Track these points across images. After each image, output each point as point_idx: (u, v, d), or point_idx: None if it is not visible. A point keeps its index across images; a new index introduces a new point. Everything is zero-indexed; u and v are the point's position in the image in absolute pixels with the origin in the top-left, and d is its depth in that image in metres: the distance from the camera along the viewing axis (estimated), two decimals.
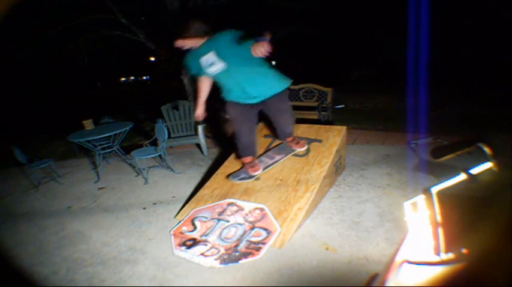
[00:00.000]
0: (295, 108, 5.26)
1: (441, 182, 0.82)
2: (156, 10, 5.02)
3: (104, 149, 3.87)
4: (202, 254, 2.15)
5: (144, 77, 27.08)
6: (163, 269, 2.07)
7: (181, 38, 2.30)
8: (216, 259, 2.08)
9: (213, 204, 2.64)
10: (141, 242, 2.39)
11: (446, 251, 0.73)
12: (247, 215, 2.44)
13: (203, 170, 3.71)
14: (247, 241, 2.21)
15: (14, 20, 3.89)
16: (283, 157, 2.82)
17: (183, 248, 2.24)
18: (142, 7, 5.09)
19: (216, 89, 2.65)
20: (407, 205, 0.93)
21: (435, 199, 0.79)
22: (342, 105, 6.03)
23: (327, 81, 5.85)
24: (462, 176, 0.85)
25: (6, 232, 2.78)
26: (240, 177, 2.71)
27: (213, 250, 2.17)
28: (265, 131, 3.35)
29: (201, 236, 2.34)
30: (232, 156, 3.14)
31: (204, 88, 2.64)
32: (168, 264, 2.11)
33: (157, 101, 4.85)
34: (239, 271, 1.97)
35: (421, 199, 0.87)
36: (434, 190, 0.80)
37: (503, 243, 0.66)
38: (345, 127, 3.11)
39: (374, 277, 1.09)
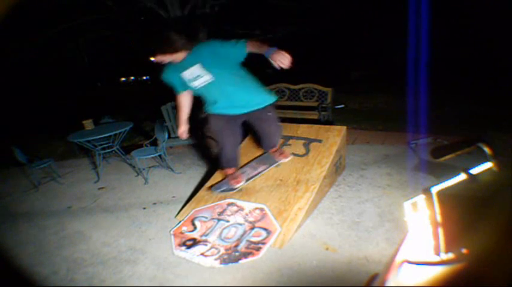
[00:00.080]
0: (295, 108, 5.28)
1: (441, 182, 0.82)
2: (156, 10, 5.01)
3: (104, 149, 3.87)
4: (202, 254, 2.15)
5: (144, 77, 27.09)
6: (163, 269, 2.07)
7: (161, 52, 2.16)
8: (216, 259, 2.08)
9: (213, 204, 2.64)
10: (141, 242, 2.39)
11: (446, 251, 0.73)
12: (247, 215, 2.44)
13: (203, 170, 3.71)
14: (247, 241, 2.21)
15: (14, 20, 3.88)
16: (267, 168, 2.76)
17: (183, 248, 2.24)
18: (142, 7, 5.08)
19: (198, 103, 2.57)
20: (407, 205, 0.93)
21: (435, 199, 0.79)
22: (342, 105, 6.03)
23: (327, 81, 5.85)
24: (462, 176, 0.85)
25: (6, 232, 2.78)
26: (222, 189, 2.66)
27: (213, 250, 2.17)
28: None
29: (201, 236, 2.34)
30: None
31: (186, 104, 2.53)
32: (168, 264, 2.11)
33: (157, 101, 4.86)
34: (239, 271, 1.97)
35: (421, 199, 0.87)
36: (434, 190, 0.80)
37: (503, 243, 0.66)
38: (344, 127, 3.11)
39: (374, 277, 1.09)
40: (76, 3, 4.64)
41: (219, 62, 2.19)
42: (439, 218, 0.77)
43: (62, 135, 4.44)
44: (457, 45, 9.41)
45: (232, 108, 2.40)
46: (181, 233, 2.42)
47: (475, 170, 0.87)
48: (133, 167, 3.91)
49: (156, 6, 4.98)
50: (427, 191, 0.80)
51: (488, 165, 0.90)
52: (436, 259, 0.74)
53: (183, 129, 2.58)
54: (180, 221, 2.57)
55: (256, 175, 2.72)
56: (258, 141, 2.92)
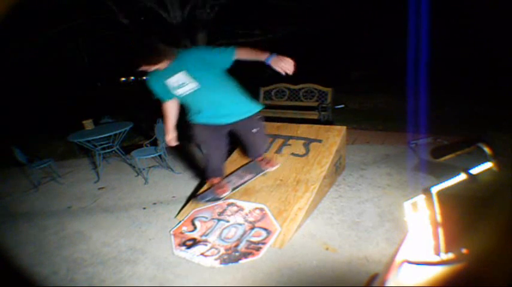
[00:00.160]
0: (295, 108, 5.27)
1: (441, 182, 0.82)
2: (156, 10, 5.02)
3: (104, 149, 3.87)
4: (202, 254, 2.15)
5: (144, 77, 27.08)
6: (163, 269, 2.07)
7: (146, 63, 2.07)
8: (216, 259, 2.08)
9: (213, 204, 2.64)
10: (141, 242, 2.39)
11: (446, 251, 0.73)
12: (247, 215, 2.44)
13: (203, 170, 3.71)
14: (247, 241, 2.21)
15: (14, 20, 3.88)
16: (253, 177, 2.71)
17: (183, 248, 2.24)
18: (142, 7, 5.09)
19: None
20: (407, 205, 0.93)
21: (435, 199, 0.79)
22: (342, 105, 6.02)
23: (327, 81, 5.84)
24: (462, 176, 0.85)
25: (6, 232, 2.78)
26: (207, 199, 2.61)
27: (213, 250, 2.17)
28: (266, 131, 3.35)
29: (201, 236, 2.34)
30: (232, 156, 3.14)
31: (172, 111, 2.45)
32: (168, 264, 2.11)
33: (157, 101, 4.84)
34: (239, 271, 1.97)
35: (421, 199, 0.87)
36: (434, 190, 0.80)
37: (503, 243, 0.66)
38: (344, 127, 3.10)
39: (374, 277, 1.09)
40: (76, 3, 4.64)
41: (204, 69, 2.12)
42: (439, 218, 0.77)
43: (62, 135, 4.43)
44: (457, 45, 9.41)
45: (218, 117, 2.32)
46: (182, 233, 2.42)
47: (475, 170, 0.87)
48: (133, 167, 3.91)
49: (156, 6, 4.98)
50: (427, 191, 0.80)
51: (488, 165, 0.90)
52: (436, 259, 0.74)
53: (171, 137, 2.52)
54: (180, 221, 2.57)
55: (242, 184, 2.67)
56: (245, 150, 2.85)
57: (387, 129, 4.77)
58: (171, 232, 2.45)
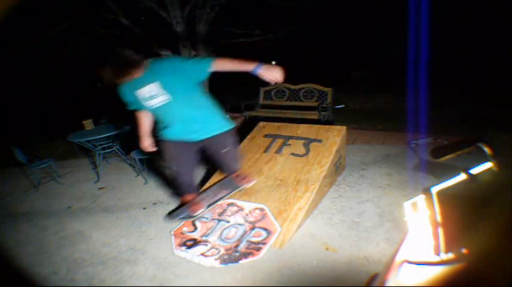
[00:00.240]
0: (295, 108, 5.28)
1: (441, 182, 0.82)
2: (156, 10, 5.02)
3: (104, 149, 3.87)
4: (202, 254, 2.15)
5: None
6: (164, 269, 2.07)
7: (117, 72, 1.95)
8: (216, 259, 2.08)
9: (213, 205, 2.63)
10: (141, 242, 2.39)
11: (446, 251, 0.73)
12: (247, 215, 2.44)
13: (203, 170, 3.71)
14: (248, 241, 2.21)
15: (14, 20, 3.88)
16: (229, 193, 2.63)
17: (183, 248, 2.24)
18: (142, 7, 5.08)
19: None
20: (407, 205, 0.93)
21: (435, 199, 0.79)
22: (342, 105, 6.03)
23: (327, 81, 5.85)
24: (462, 176, 0.85)
25: (6, 232, 2.78)
26: (181, 216, 2.50)
27: (213, 250, 2.17)
28: (266, 131, 3.36)
29: (202, 236, 2.34)
30: None
31: (146, 119, 2.34)
32: (168, 264, 2.11)
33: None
34: (239, 271, 1.97)
35: (421, 199, 0.87)
36: (434, 190, 0.80)
37: (503, 243, 0.66)
38: (344, 127, 3.11)
39: (374, 277, 1.09)
40: (76, 3, 4.64)
41: (177, 82, 2.02)
42: (439, 218, 0.77)
43: (62, 135, 4.44)
44: (457, 45, 9.41)
45: (188, 133, 2.22)
46: (182, 233, 2.42)
47: (475, 170, 0.87)
48: (134, 167, 3.91)
49: (156, 6, 4.98)
50: (427, 191, 0.80)
51: (488, 165, 0.90)
52: (436, 259, 0.74)
53: (147, 144, 2.42)
54: (180, 222, 2.56)
55: (217, 200, 2.58)
56: (218, 167, 2.74)
57: (387, 129, 4.77)
58: (172, 232, 2.45)
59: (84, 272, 2.13)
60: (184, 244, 2.28)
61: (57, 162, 4.19)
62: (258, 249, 2.12)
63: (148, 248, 2.31)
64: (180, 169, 2.42)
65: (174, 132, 2.23)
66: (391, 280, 0.87)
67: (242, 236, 2.27)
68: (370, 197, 2.72)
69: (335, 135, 3.00)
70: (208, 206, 2.55)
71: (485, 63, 8.59)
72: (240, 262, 2.04)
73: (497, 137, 3.35)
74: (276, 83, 1.91)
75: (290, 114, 5.05)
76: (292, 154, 2.94)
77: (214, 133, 2.27)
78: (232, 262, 2.04)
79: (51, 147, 5.54)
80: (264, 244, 2.16)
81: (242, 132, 3.78)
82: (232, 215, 2.48)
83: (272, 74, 1.90)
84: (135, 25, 5.00)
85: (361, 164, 3.44)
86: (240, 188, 2.63)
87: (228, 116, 2.45)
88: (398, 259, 0.90)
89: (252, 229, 2.31)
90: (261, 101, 5.59)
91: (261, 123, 3.52)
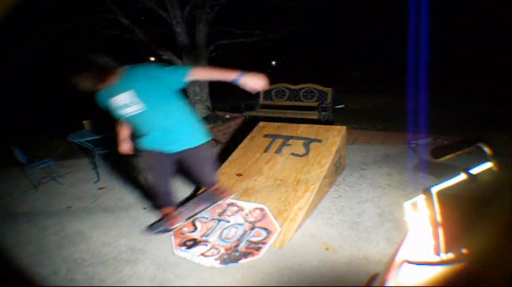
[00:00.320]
0: (295, 108, 5.28)
1: (441, 182, 0.82)
2: (156, 10, 5.02)
3: (104, 149, 3.87)
4: (202, 254, 2.15)
5: None
6: (164, 269, 2.07)
7: (88, 80, 1.88)
8: (216, 259, 2.08)
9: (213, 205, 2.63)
10: (141, 242, 2.39)
11: (446, 251, 0.73)
12: (247, 215, 2.44)
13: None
14: (247, 241, 2.21)
15: (15, 20, 3.88)
16: (207, 207, 2.59)
17: (183, 248, 2.24)
18: (142, 7, 5.09)
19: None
20: (407, 205, 0.93)
21: (435, 199, 0.79)
22: (342, 105, 6.03)
23: (327, 81, 5.85)
24: (462, 176, 0.85)
25: (6, 232, 2.78)
26: (159, 229, 2.43)
27: (213, 250, 2.17)
28: (266, 131, 3.36)
29: (202, 236, 2.34)
30: (233, 156, 3.14)
31: (125, 124, 2.28)
32: (168, 264, 2.11)
33: None
34: (239, 271, 1.97)
35: (421, 199, 0.87)
36: (434, 190, 0.80)
37: (503, 243, 0.66)
38: (344, 127, 3.11)
39: (374, 277, 1.09)
40: (76, 2, 4.64)
41: (153, 91, 1.94)
42: (439, 218, 0.77)
43: (62, 135, 4.43)
44: (457, 45, 9.41)
45: (163, 144, 2.16)
46: (182, 233, 2.42)
47: (475, 170, 0.87)
48: (134, 167, 3.91)
49: (156, 6, 4.98)
50: (427, 191, 0.80)
51: (488, 165, 0.90)
52: (436, 259, 0.74)
53: (125, 148, 2.38)
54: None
55: (195, 214, 2.55)
56: (195, 179, 2.69)
57: (387, 129, 4.77)
58: (172, 232, 2.45)
59: (84, 272, 2.13)
60: (184, 244, 2.28)
61: (57, 162, 4.19)
62: (258, 249, 2.12)
63: (148, 248, 2.31)
64: (156, 179, 2.35)
65: (150, 142, 2.16)
66: (391, 280, 0.87)
67: (242, 236, 2.27)
68: (370, 197, 2.72)
69: (335, 135, 3.00)
70: (187, 219, 2.49)
71: (485, 63, 8.60)
72: (240, 261, 2.04)
73: (497, 137, 3.35)
74: (256, 92, 1.88)
75: (290, 114, 5.05)
76: (292, 153, 2.94)
77: (191, 146, 2.19)
78: (232, 262, 2.04)
79: (51, 147, 5.54)
80: (264, 243, 2.16)
81: (242, 132, 3.79)
82: (232, 215, 2.48)
83: (254, 83, 1.86)
84: (135, 25, 5.00)
85: (361, 164, 3.43)
86: (218, 202, 2.58)
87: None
88: (398, 259, 0.90)
89: (252, 228, 2.31)
90: (261, 101, 5.60)
91: (261, 123, 3.52)
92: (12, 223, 2.92)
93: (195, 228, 2.44)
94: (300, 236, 2.25)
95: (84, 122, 4.22)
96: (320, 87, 5.22)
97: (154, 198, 2.53)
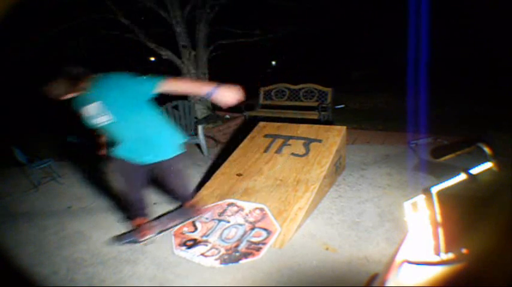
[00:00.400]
0: (295, 108, 5.28)
1: (441, 182, 0.82)
2: (156, 10, 5.02)
3: None
4: (202, 254, 2.15)
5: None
6: (164, 269, 2.07)
7: (62, 87, 1.88)
8: (216, 259, 2.08)
9: (213, 205, 2.64)
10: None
11: (446, 251, 0.73)
12: (247, 215, 2.44)
13: (203, 170, 3.71)
14: (248, 241, 2.21)
15: (15, 19, 3.88)
16: (180, 223, 2.53)
17: (184, 248, 2.24)
18: (142, 7, 5.09)
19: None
20: (407, 205, 0.93)
21: (435, 199, 0.79)
22: (342, 105, 6.03)
23: (327, 81, 5.85)
24: (462, 176, 0.85)
25: (6, 232, 2.77)
26: (126, 241, 2.37)
27: (213, 250, 2.17)
28: (266, 131, 3.36)
29: (202, 236, 2.34)
30: (233, 156, 3.14)
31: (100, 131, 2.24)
32: (168, 264, 2.11)
33: (157, 101, 4.85)
34: (239, 271, 1.97)
35: (421, 199, 0.87)
36: (434, 190, 0.80)
37: (503, 243, 0.66)
38: (344, 127, 3.11)
39: (374, 277, 1.09)
40: (76, 2, 4.64)
41: (122, 101, 1.91)
42: (439, 218, 0.77)
43: (62, 135, 4.43)
44: (457, 45, 9.42)
45: (136, 155, 2.11)
46: (182, 233, 2.42)
47: (475, 170, 0.87)
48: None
49: (156, 6, 4.98)
50: (427, 191, 0.80)
51: (488, 165, 0.90)
52: (436, 259, 0.74)
53: (103, 153, 2.37)
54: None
55: (168, 228, 2.49)
56: (170, 194, 2.64)
57: (387, 129, 4.77)
58: (172, 233, 2.45)
59: (84, 272, 2.13)
60: (184, 244, 2.28)
61: (57, 162, 4.18)
62: (258, 249, 2.12)
63: (148, 248, 2.31)
64: (129, 189, 2.30)
65: (122, 152, 2.13)
66: (391, 280, 0.87)
67: (242, 236, 2.27)
68: (370, 197, 2.72)
69: (335, 135, 3.00)
70: (159, 232, 2.43)
71: (485, 63, 8.60)
72: (240, 262, 2.04)
73: (497, 137, 3.35)
74: (228, 106, 1.85)
75: (290, 114, 5.05)
76: (292, 153, 2.94)
77: (163, 158, 2.16)
78: (232, 262, 2.04)
79: (51, 147, 5.54)
80: (264, 244, 2.16)
81: (242, 132, 3.79)
82: (232, 215, 2.48)
83: (227, 98, 1.83)
84: (135, 25, 5.00)
85: (361, 164, 3.43)
86: (191, 219, 2.53)
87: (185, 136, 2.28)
88: (398, 259, 0.90)
89: (252, 229, 2.31)
90: (261, 101, 5.60)
91: (261, 123, 3.52)
92: (12, 223, 2.91)
93: (195, 228, 2.44)
94: (300, 236, 2.25)
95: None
96: (320, 87, 5.22)
97: (127, 207, 2.44)
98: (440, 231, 0.75)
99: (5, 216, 3.09)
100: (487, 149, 0.92)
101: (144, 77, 1.94)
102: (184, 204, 2.57)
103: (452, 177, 0.84)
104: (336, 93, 5.25)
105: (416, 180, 2.94)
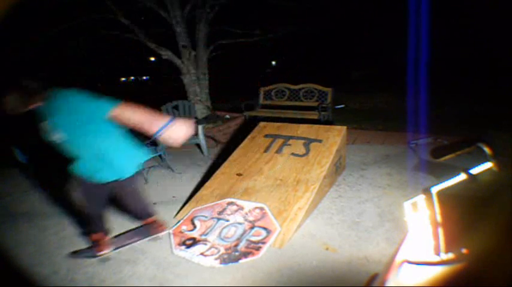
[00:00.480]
0: (295, 108, 5.28)
1: (441, 182, 0.82)
2: (156, 10, 5.02)
3: None
4: (202, 253, 2.15)
5: (144, 78, 27.04)
6: (163, 269, 2.07)
7: (16, 101, 1.84)
8: (215, 259, 2.08)
9: (212, 203, 2.64)
10: (141, 242, 2.39)
11: (446, 251, 0.73)
12: (247, 214, 2.44)
13: (203, 170, 3.71)
14: (247, 240, 2.21)
15: (15, 19, 3.88)
16: (139, 240, 2.47)
17: (183, 247, 2.24)
18: (142, 7, 5.09)
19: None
20: (407, 205, 0.93)
21: (435, 199, 0.79)
22: (342, 105, 6.03)
23: (327, 81, 5.86)
24: (462, 176, 0.85)
25: (6, 232, 2.77)
26: (83, 255, 2.33)
27: (212, 249, 2.17)
28: (266, 131, 3.36)
29: (201, 235, 2.34)
30: (233, 156, 3.14)
31: None
32: (168, 264, 2.11)
33: (157, 101, 4.86)
34: (239, 271, 1.97)
35: (421, 199, 0.87)
36: (434, 190, 0.80)
37: (503, 243, 0.66)
38: (344, 127, 3.11)
39: (374, 277, 1.09)
40: (76, 2, 4.64)
41: (74, 122, 1.87)
42: (439, 218, 0.77)
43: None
44: (457, 45, 9.42)
45: (91, 173, 2.08)
46: (181, 232, 2.42)
47: (475, 170, 0.87)
48: None
49: (156, 6, 4.98)
50: (427, 191, 0.80)
51: (488, 165, 0.90)
52: (436, 259, 0.74)
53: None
54: (179, 221, 2.56)
55: (126, 245, 2.44)
56: (129, 213, 2.60)
57: (387, 129, 4.77)
58: (171, 231, 2.45)
59: (84, 272, 2.13)
60: (183, 243, 2.28)
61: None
62: (258, 248, 2.12)
63: (148, 248, 2.31)
64: (88, 204, 2.24)
65: (78, 169, 2.09)
66: (391, 280, 0.87)
67: (242, 235, 2.27)
68: (370, 197, 2.72)
69: (335, 135, 3.00)
70: (116, 248, 2.39)
71: (485, 63, 8.60)
72: (240, 261, 2.04)
73: (497, 136, 3.35)
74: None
75: (290, 114, 5.05)
76: (293, 153, 2.94)
77: (119, 177, 2.11)
78: (232, 262, 2.04)
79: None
80: (264, 243, 2.16)
81: (242, 132, 3.79)
82: (231, 214, 2.48)
83: (177, 136, 1.78)
84: (135, 25, 5.00)
85: (361, 164, 3.43)
86: (152, 237, 2.47)
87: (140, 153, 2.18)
88: (398, 259, 0.90)
89: (252, 228, 2.31)
90: (261, 101, 5.60)
91: (262, 124, 3.52)
92: (12, 223, 2.91)
93: (194, 227, 2.44)
94: (300, 236, 2.25)
95: None
96: (320, 87, 5.23)
97: (86, 223, 2.39)
98: (440, 231, 0.75)
99: (5, 216, 3.09)
100: (487, 149, 0.92)
101: (100, 101, 1.86)
102: (145, 222, 2.52)
103: (452, 177, 0.84)
104: (336, 93, 5.26)
105: (416, 180, 2.94)
